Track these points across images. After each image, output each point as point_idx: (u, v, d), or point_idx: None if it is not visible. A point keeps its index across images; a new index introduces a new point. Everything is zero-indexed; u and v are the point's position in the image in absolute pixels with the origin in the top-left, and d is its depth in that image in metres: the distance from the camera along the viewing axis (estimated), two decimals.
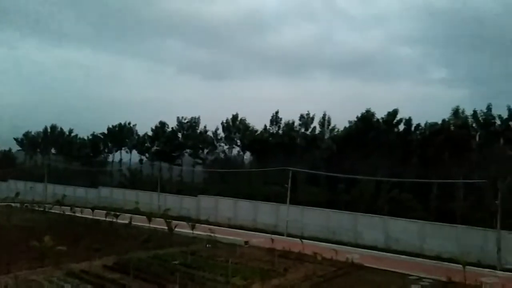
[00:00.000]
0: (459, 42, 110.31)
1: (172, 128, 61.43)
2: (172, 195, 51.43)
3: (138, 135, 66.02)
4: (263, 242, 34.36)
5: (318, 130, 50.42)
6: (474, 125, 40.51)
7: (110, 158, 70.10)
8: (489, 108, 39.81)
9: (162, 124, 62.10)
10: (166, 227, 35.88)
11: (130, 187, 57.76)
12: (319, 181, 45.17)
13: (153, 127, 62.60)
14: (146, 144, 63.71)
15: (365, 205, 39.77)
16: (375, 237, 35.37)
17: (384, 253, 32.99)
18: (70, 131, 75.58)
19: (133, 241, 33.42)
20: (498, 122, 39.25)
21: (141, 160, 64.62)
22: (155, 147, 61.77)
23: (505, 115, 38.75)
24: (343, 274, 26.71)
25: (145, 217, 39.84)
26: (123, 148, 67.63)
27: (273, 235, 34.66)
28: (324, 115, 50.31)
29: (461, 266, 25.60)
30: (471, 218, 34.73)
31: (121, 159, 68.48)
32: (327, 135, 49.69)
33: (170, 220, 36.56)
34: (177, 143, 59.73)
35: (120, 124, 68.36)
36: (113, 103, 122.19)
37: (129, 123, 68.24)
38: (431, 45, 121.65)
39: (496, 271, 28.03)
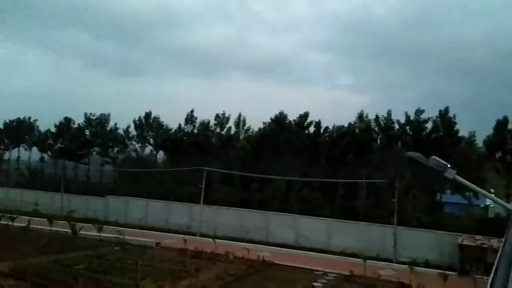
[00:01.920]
0: (363, 51, 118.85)
1: (78, 124, 57.66)
2: (77, 196, 48.37)
3: (40, 131, 60.96)
4: (175, 243, 33.75)
5: (233, 130, 50.76)
6: (376, 129, 43.61)
7: (6, 156, 63.74)
8: (389, 113, 43.19)
9: (67, 120, 57.95)
10: (69, 230, 33.71)
11: (29, 187, 53.21)
12: (233, 181, 45.52)
13: (57, 123, 58.28)
14: (48, 141, 59.05)
15: (277, 204, 40.93)
16: (286, 235, 36.56)
17: (294, 250, 34.28)
18: None
19: (32, 246, 31.00)
20: (396, 126, 42.72)
21: (42, 159, 59.77)
22: (59, 145, 57.47)
23: (402, 120, 42.34)
24: (254, 272, 27.23)
25: (45, 219, 36.92)
26: (21, 145, 61.90)
27: (186, 236, 34.25)
28: (240, 115, 50.85)
29: (362, 260, 27.52)
30: (372, 215, 37.41)
31: (19, 157, 62.63)
32: (242, 136, 50.20)
33: (74, 223, 34.33)
34: (84, 140, 56.15)
35: (18, 119, 62.58)
36: (11, 96, 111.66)
37: (29, 118, 62.78)
38: (339, 53, 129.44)
39: (393, 264, 30.56)
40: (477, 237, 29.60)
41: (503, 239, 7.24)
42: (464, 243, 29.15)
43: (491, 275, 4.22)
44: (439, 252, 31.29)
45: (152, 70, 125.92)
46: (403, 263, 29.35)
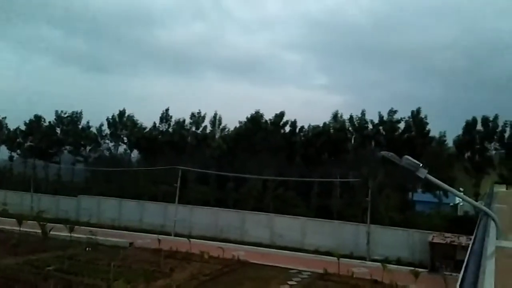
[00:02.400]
0: (337, 51, 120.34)
1: (49, 122, 56.15)
2: (48, 196, 47.08)
3: (9, 129, 59.06)
4: (149, 243, 33.30)
5: (209, 129, 50.47)
6: (350, 128, 44.23)
7: None
8: (363, 113, 43.89)
9: (38, 118, 56.37)
10: (39, 231, 32.83)
11: None
12: (209, 180, 45.28)
13: (27, 121, 56.59)
14: (18, 140, 57.29)
15: (252, 203, 40.97)
16: (261, 234, 36.62)
17: (269, 249, 34.37)
18: None
19: (1, 246, 30.06)
20: (370, 126, 43.44)
21: (11, 157, 57.95)
22: (28, 143, 55.84)
23: (376, 120, 43.09)
24: (229, 271, 27.17)
25: (14, 219, 35.78)
26: None
27: (160, 236, 33.83)
28: (215, 114, 50.61)
29: (336, 258, 27.87)
30: (346, 214, 37.91)
31: None
32: (218, 135, 49.97)
33: (44, 223, 33.47)
34: (55, 139, 54.73)
35: None
36: None
37: None
38: (313, 53, 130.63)
39: (366, 262, 31.05)
40: (447, 234, 30.39)
41: (472, 237, 7.45)
42: (435, 240, 29.88)
43: (461, 272, 4.30)
44: (410, 250, 31.98)
45: (126, 67, 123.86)
46: (376, 261, 29.86)
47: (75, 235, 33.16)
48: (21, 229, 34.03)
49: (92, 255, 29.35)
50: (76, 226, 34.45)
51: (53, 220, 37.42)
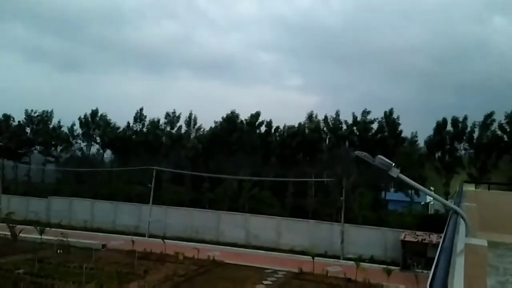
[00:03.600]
0: (311, 53, 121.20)
1: (19, 121, 54.48)
2: (17, 197, 45.68)
3: None
4: (123, 244, 32.82)
5: (184, 129, 50.02)
6: (325, 129, 44.72)
7: None
8: (337, 114, 44.46)
9: (6, 117, 54.63)
10: (8, 233, 31.88)
11: None
12: (184, 180, 44.88)
13: None
14: None
15: (228, 203, 40.89)
16: (236, 234, 36.61)
17: (244, 249, 34.43)
18: None
19: None
20: (344, 127, 44.06)
21: None
22: None
23: (350, 120, 43.72)
24: (204, 272, 27.09)
25: None
26: None
27: (134, 237, 33.43)
28: (191, 114, 50.17)
29: (311, 257, 28.16)
30: (320, 213, 38.30)
31: None
32: (193, 135, 49.56)
33: (13, 225, 32.52)
34: (25, 138, 53.08)
35: None
36: None
37: None
38: (287, 54, 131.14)
39: (340, 260, 31.50)
40: (418, 233, 31.14)
41: (442, 235, 7.68)
42: (406, 238, 30.57)
43: (432, 269, 4.43)
44: (383, 248, 32.60)
45: (97, 66, 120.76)
46: (350, 259, 30.31)
47: (46, 237, 32.35)
48: None
49: (64, 258, 28.72)
50: (47, 228, 33.60)
51: (23, 222, 36.41)
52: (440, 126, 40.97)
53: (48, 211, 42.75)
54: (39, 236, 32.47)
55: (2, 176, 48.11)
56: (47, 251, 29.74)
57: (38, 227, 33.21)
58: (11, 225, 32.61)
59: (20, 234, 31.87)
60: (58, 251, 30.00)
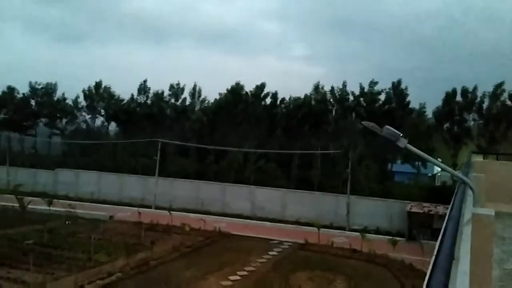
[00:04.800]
0: (317, 22, 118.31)
1: (23, 94, 54.37)
2: (24, 169, 46.06)
3: None
4: (129, 216, 33.18)
5: (188, 101, 49.69)
6: (331, 100, 44.15)
7: None
8: (344, 85, 43.72)
9: (11, 90, 54.53)
10: (17, 204, 32.33)
11: None
12: (189, 152, 44.91)
13: (0, 93, 54.69)
14: None
15: (233, 175, 40.95)
16: (242, 206, 36.80)
17: (250, 220, 34.66)
18: None
19: None
20: (351, 98, 43.41)
21: None
22: (2, 116, 54.13)
23: (357, 91, 43.06)
24: (210, 243, 27.36)
25: None
26: None
27: (140, 209, 33.70)
28: (195, 86, 49.66)
29: (316, 229, 28.29)
30: (326, 185, 38.28)
31: None
32: (197, 107, 49.25)
33: (22, 197, 32.94)
34: (29, 111, 53.12)
35: None
36: None
37: None
38: (292, 23, 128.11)
39: (345, 232, 31.67)
40: (424, 204, 31.09)
41: (449, 205, 7.50)
42: (412, 210, 30.56)
43: (439, 237, 4.27)
44: (389, 220, 32.65)
45: (98, 36, 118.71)
46: (355, 230, 30.44)
47: (54, 208, 32.77)
48: None
49: (72, 229, 29.13)
50: (54, 200, 34.03)
51: (31, 193, 36.78)
52: (449, 96, 40.23)
53: (55, 183, 43.16)
54: (47, 208, 32.90)
55: (9, 148, 48.43)
56: (55, 222, 30.13)
57: (46, 199, 33.63)
58: (19, 196, 33.02)
59: (29, 206, 32.29)
60: (66, 222, 30.41)
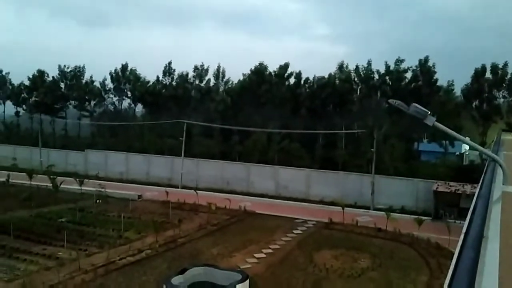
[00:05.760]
0: (338, 0, 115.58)
1: (53, 77, 55.68)
2: (56, 150, 47.67)
3: (13, 85, 58.70)
4: (157, 195, 34.00)
5: (212, 82, 49.88)
6: (356, 79, 43.48)
7: None
8: (369, 63, 42.89)
9: (41, 73, 55.85)
10: (50, 184, 33.57)
11: (6, 142, 52.05)
12: (213, 133, 45.36)
13: (31, 76, 56.14)
14: (22, 95, 57.11)
15: (257, 155, 41.21)
16: (266, 185, 37.15)
17: (274, 200, 35.00)
18: None
19: (13, 200, 30.99)
20: (376, 76, 42.64)
21: (17, 113, 58.06)
22: (33, 98, 55.72)
23: (382, 70, 42.21)
24: (236, 221, 27.86)
25: (25, 174, 36.50)
26: None
27: (167, 188, 34.48)
28: (219, 67, 49.72)
29: (340, 208, 28.36)
30: (350, 164, 38.12)
31: None
32: (221, 88, 49.42)
33: (54, 177, 34.16)
34: (59, 94, 54.50)
35: None
36: None
37: (1, 71, 60.12)
38: (315, 1, 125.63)
39: (370, 211, 31.62)
40: (451, 183, 30.65)
41: (478, 185, 7.46)
42: (439, 189, 30.18)
43: (468, 215, 4.32)
44: (414, 199, 32.40)
45: (123, 20, 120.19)
46: (380, 209, 30.34)
47: (85, 188, 33.93)
48: (32, 183, 34.82)
49: (103, 207, 30.16)
50: (85, 180, 35.17)
51: (62, 174, 38.08)
52: (479, 73, 39.08)
53: (85, 163, 44.51)
54: (79, 187, 34.06)
55: (41, 130, 50.00)
56: (87, 201, 31.22)
57: (77, 179, 34.78)
58: (52, 177, 34.25)
59: (61, 186, 33.48)
60: (97, 201, 31.44)
